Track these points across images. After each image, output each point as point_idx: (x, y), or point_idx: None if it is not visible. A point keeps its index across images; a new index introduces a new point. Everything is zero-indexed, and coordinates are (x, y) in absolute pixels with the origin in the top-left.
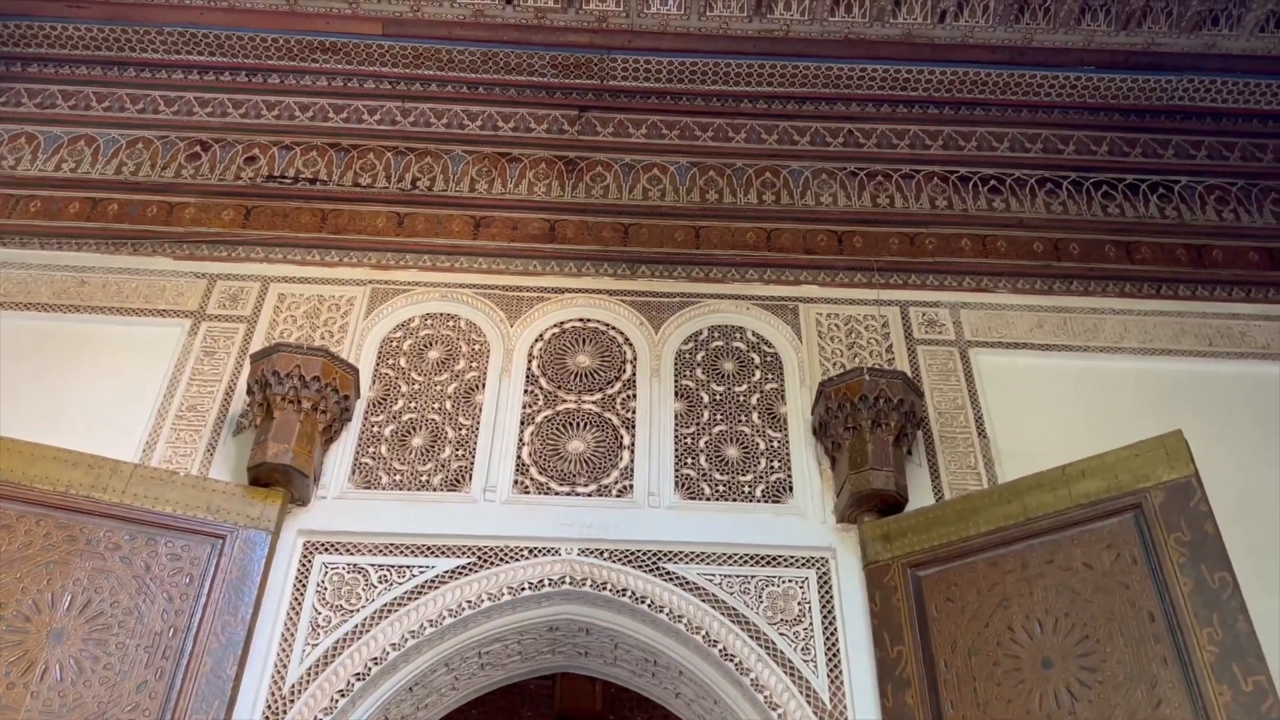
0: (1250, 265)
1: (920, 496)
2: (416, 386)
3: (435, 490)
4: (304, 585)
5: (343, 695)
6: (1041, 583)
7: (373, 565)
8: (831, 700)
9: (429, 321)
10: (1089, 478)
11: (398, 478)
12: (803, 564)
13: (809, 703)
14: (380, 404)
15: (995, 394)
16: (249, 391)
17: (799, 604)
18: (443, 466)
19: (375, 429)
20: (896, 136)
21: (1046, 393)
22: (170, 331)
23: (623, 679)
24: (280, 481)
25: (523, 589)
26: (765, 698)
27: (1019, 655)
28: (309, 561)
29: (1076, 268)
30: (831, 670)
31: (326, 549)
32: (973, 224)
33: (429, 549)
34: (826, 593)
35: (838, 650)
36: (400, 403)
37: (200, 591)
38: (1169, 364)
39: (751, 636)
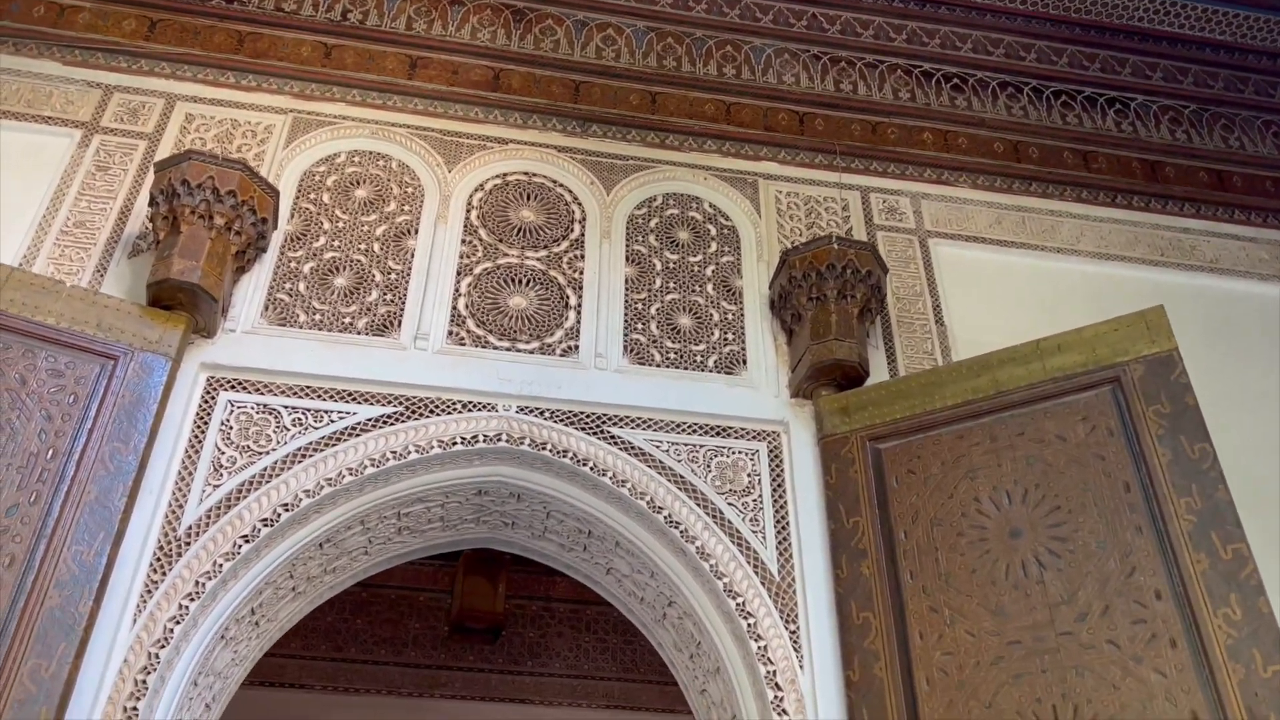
0: (1200, 184)
1: (877, 378)
2: (341, 225)
3: (360, 334)
4: (205, 423)
5: (246, 541)
6: (1011, 455)
7: (285, 407)
8: (780, 571)
9: (356, 159)
10: (1064, 352)
11: (317, 317)
12: (754, 436)
13: (756, 573)
14: (299, 239)
15: (953, 285)
16: (152, 202)
17: (748, 476)
18: (368, 310)
19: (293, 265)
20: (860, 26)
21: (1003, 288)
22: (57, 141)
23: (549, 554)
24: (184, 305)
25: (454, 443)
26: (711, 566)
27: (985, 526)
28: (212, 398)
29: (1036, 170)
30: (781, 542)
31: (233, 386)
32: (935, 118)
33: (351, 395)
34: (777, 466)
35: (788, 523)
36: (322, 240)
37: (86, 414)
38: (1122, 270)
39: (699, 504)
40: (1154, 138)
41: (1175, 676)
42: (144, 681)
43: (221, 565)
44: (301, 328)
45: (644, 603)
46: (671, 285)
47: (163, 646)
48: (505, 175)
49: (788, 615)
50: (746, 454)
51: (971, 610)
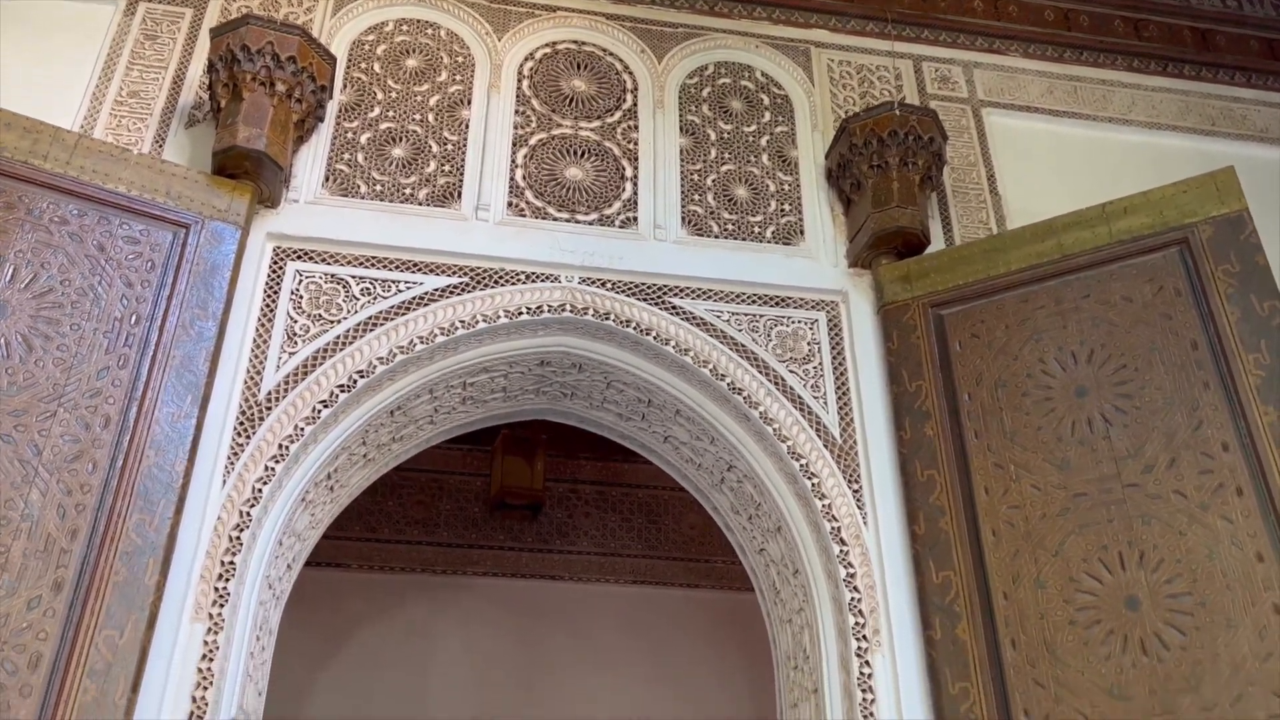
0: (1251, 53)
1: (934, 247)
2: (394, 95)
3: (421, 205)
4: (276, 292)
5: (325, 406)
6: (1076, 317)
7: (353, 277)
8: (842, 434)
9: (404, 27)
10: (1131, 215)
11: (378, 188)
12: (813, 306)
13: (818, 435)
14: (354, 109)
15: (1006, 155)
16: (210, 69)
17: (808, 344)
18: (428, 181)
19: (350, 135)
20: None
21: (1056, 157)
22: (102, 9)
23: (606, 424)
24: (249, 174)
25: (520, 313)
26: (774, 430)
27: (1050, 386)
28: (280, 268)
29: (1087, 39)
30: (842, 407)
31: (299, 256)
32: None
33: (416, 265)
34: (836, 335)
35: (848, 389)
36: (376, 110)
37: (164, 281)
38: (1173, 140)
39: (760, 371)
40: (1205, 5)
41: (1241, 522)
42: (238, 538)
43: (303, 429)
44: (363, 198)
45: (701, 469)
46: (727, 156)
47: (253, 505)
48: (554, 44)
49: (850, 476)
50: (806, 323)
51: (1037, 465)
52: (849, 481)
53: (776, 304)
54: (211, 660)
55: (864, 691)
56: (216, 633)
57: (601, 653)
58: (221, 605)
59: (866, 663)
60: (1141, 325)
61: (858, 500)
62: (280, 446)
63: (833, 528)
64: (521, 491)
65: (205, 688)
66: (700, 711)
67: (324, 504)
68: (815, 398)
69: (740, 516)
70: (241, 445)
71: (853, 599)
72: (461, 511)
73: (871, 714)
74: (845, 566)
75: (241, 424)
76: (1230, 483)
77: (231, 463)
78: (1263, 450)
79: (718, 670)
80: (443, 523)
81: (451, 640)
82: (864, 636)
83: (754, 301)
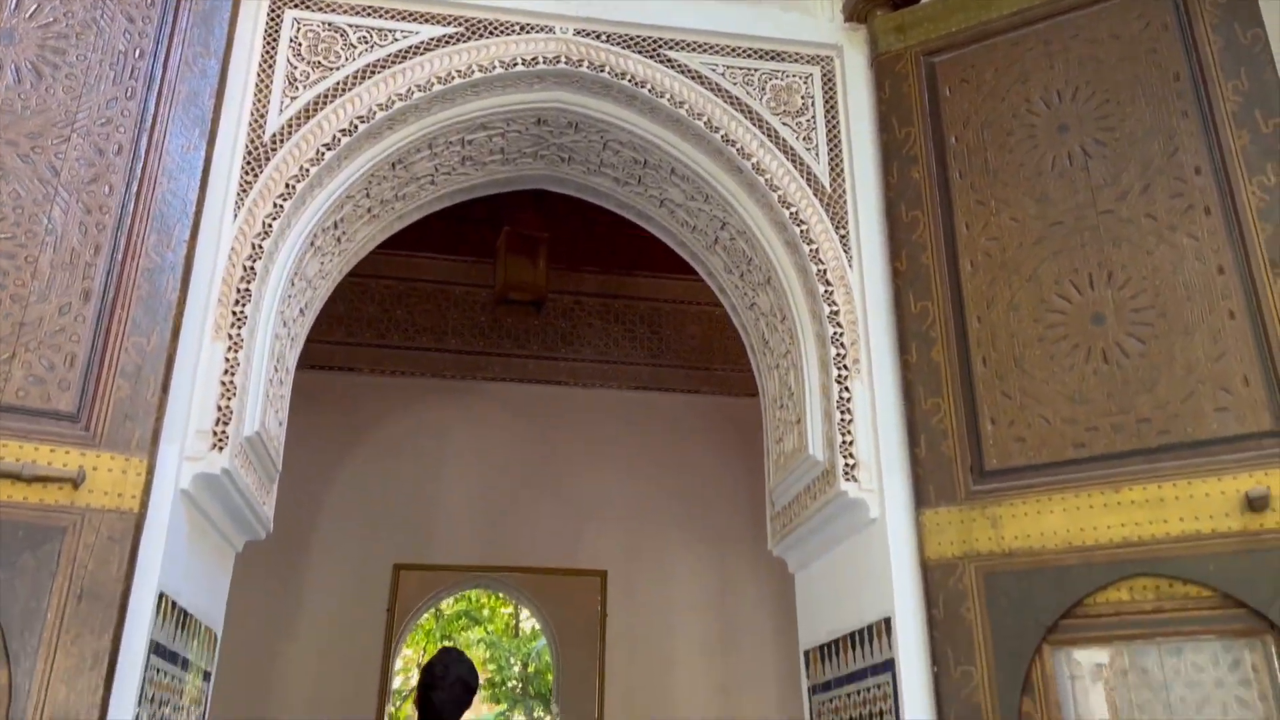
0: None
1: None
2: None
3: None
4: (275, 39)
5: (328, 149)
6: (1064, 57)
7: (350, 25)
8: (832, 184)
9: None
10: None
11: None
12: (808, 60)
13: (809, 184)
14: None
15: None
16: None
17: (802, 98)
18: None
19: None
20: None
21: None
22: None
23: (604, 191)
24: None
25: (515, 64)
26: (766, 180)
27: (1035, 124)
28: (279, 15)
29: None
30: (833, 159)
31: (297, 4)
32: None
33: (411, 14)
34: (830, 88)
35: (839, 140)
36: None
37: (164, 18)
38: None
39: (754, 124)
40: None
41: (1206, 239)
42: (251, 268)
43: (308, 170)
44: None
45: (696, 231)
46: None
47: (264, 239)
48: None
49: (838, 221)
50: (800, 77)
51: (1017, 199)
52: (836, 227)
53: (771, 58)
54: (233, 375)
55: (843, 414)
56: (236, 351)
57: (606, 453)
58: (239, 327)
59: (846, 389)
60: (1126, 61)
61: (844, 244)
62: (287, 185)
63: (819, 270)
64: (525, 287)
65: (229, 398)
66: (700, 504)
67: (332, 254)
68: (807, 149)
69: (733, 275)
70: (250, 182)
71: (835, 333)
72: (469, 320)
73: (849, 433)
74: (829, 305)
75: (249, 162)
76: (1199, 203)
77: (241, 198)
78: (1232, 170)
79: (716, 467)
80: (451, 331)
81: (462, 439)
82: (844, 366)
83: (749, 55)
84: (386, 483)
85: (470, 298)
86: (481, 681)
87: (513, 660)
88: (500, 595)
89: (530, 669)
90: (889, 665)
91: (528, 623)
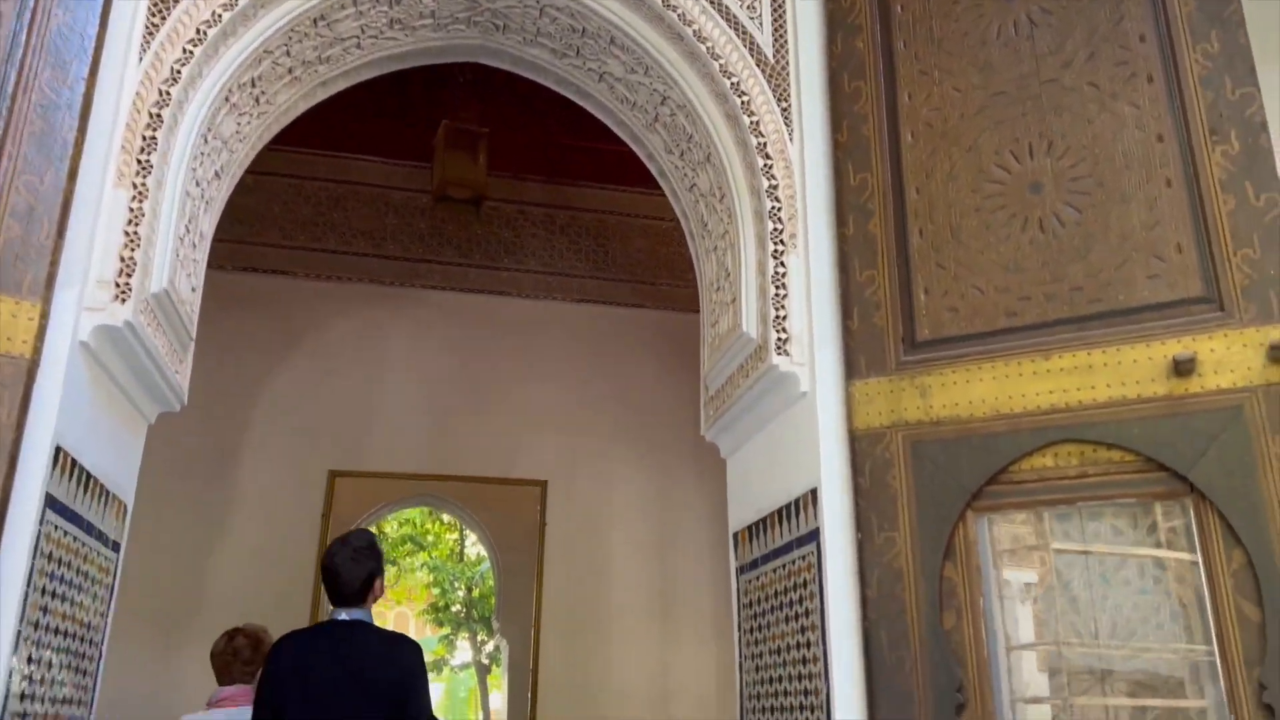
0: None
1: None
2: None
3: None
4: None
5: None
6: None
7: None
8: (775, 55)
9: None
10: None
11: None
12: None
13: (751, 54)
14: None
15: None
16: None
17: None
18: None
19: None
20: None
21: None
22: None
23: (541, 63)
24: None
25: None
26: (708, 49)
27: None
28: None
29: None
30: (777, 28)
31: None
32: None
33: None
34: None
35: (784, 10)
36: None
37: None
38: None
39: None
40: None
41: (1148, 107)
42: (158, 115)
43: (220, 15)
44: None
45: (636, 107)
46: None
47: (172, 84)
48: None
49: (780, 94)
50: None
51: (960, 69)
52: (778, 99)
53: None
54: (137, 226)
55: (778, 289)
56: (141, 201)
57: (548, 364)
58: (145, 176)
59: (782, 264)
60: None
61: (785, 116)
62: (198, 30)
63: (759, 143)
64: (464, 183)
65: (133, 249)
66: (641, 417)
67: (249, 115)
68: (751, 18)
69: (673, 155)
70: (157, 24)
71: (773, 208)
72: (408, 226)
73: (783, 307)
74: (768, 179)
75: (156, 4)
76: (1142, 71)
77: (148, 40)
78: (1177, 37)
79: (658, 382)
80: (390, 236)
81: (402, 347)
82: (781, 241)
83: None
84: (323, 389)
85: (410, 203)
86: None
87: (457, 584)
88: (444, 519)
89: (475, 593)
90: (814, 535)
91: (473, 549)
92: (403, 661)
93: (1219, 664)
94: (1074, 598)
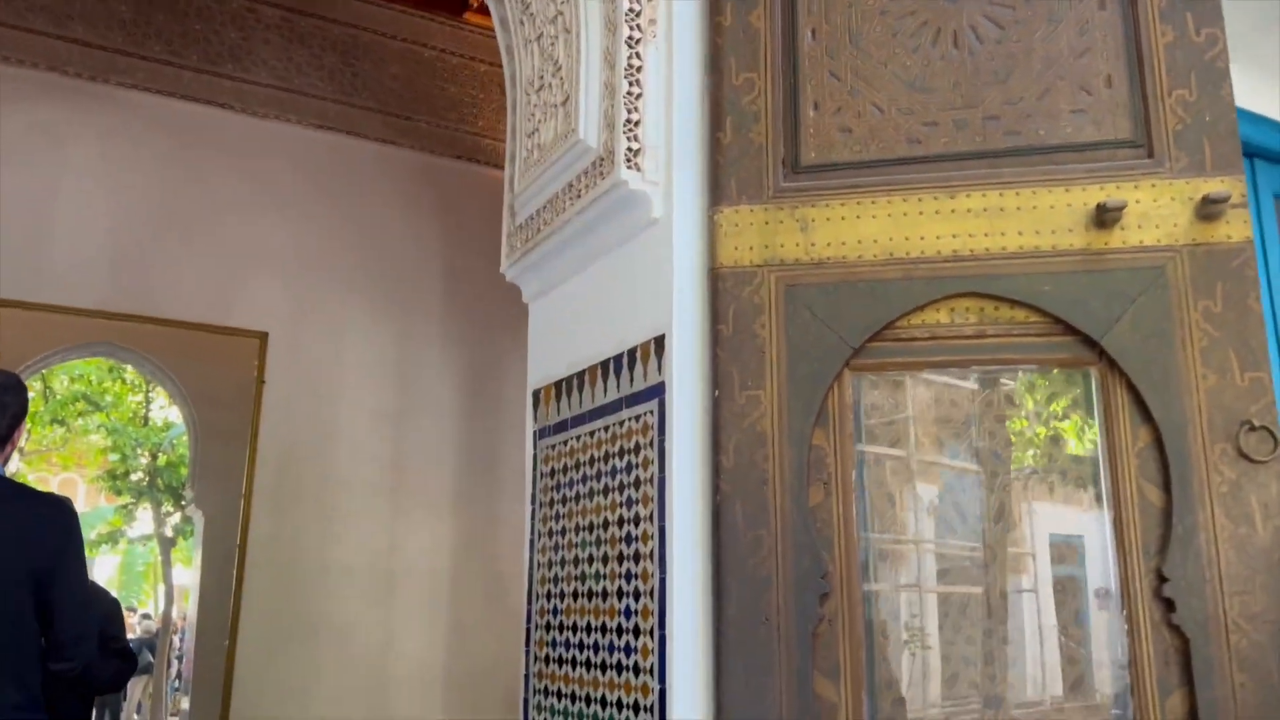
0: None
1: None
2: None
3: None
4: None
5: None
6: None
7: None
8: None
9: None
10: None
11: None
12: None
13: None
14: None
15: None
16: None
17: None
18: None
19: None
20: None
21: None
22: None
23: None
24: None
25: None
26: None
27: None
28: None
29: None
30: None
31: None
32: None
33: None
34: None
35: None
36: None
37: None
38: None
39: None
40: None
41: None
42: None
43: None
44: None
45: None
46: None
47: None
48: None
49: None
50: None
51: None
52: None
53: None
54: None
55: (631, 86)
56: None
57: (276, 196)
58: None
59: (637, 54)
60: None
61: None
62: None
63: None
64: None
65: None
66: (386, 261)
67: None
68: None
69: None
70: None
71: None
72: (105, 7)
73: (636, 109)
74: None
75: None
76: None
77: None
78: None
79: (408, 230)
80: (78, 15)
81: (90, 155)
82: (638, 26)
83: None
84: None
85: None
86: (100, 473)
87: (140, 450)
88: (125, 379)
89: (161, 461)
90: (656, 391)
91: (161, 413)
92: (54, 523)
93: (1112, 552)
94: None
